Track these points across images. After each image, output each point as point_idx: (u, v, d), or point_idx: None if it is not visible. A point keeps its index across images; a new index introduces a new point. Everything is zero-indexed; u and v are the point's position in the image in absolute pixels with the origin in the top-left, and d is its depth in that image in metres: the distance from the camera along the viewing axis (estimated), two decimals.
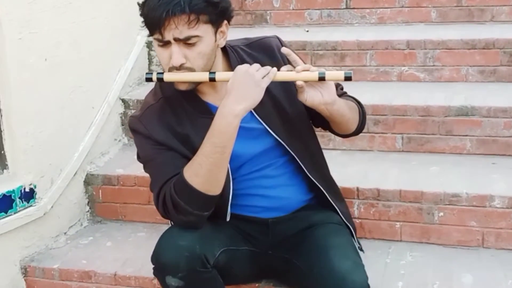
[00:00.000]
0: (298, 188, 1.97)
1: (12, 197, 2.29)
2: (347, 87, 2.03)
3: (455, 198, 2.27)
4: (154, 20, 1.67)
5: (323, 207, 1.98)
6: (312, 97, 1.76)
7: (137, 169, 2.65)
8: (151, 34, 1.72)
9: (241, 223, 1.93)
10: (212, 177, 1.72)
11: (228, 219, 1.89)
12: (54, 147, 2.47)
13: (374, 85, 3.04)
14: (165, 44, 1.71)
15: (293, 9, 3.61)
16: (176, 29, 1.66)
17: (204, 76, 1.75)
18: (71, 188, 2.57)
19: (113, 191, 2.66)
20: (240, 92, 1.68)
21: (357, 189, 2.37)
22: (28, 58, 2.33)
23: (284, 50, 1.78)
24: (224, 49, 1.86)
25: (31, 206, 2.36)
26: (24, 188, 2.33)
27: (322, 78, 1.73)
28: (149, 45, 3.30)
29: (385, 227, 2.36)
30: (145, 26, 1.73)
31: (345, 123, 1.90)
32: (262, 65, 1.73)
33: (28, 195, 2.34)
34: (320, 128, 2.03)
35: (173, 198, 1.73)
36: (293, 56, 1.77)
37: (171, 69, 1.73)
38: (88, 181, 2.68)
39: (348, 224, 1.99)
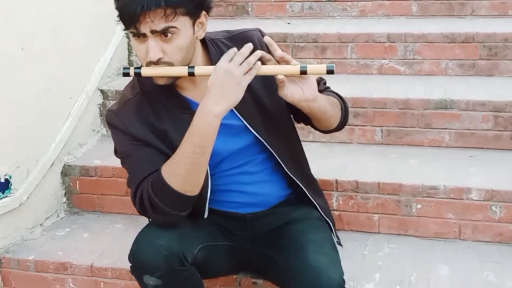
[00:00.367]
0: (277, 184, 1.95)
1: None
2: (328, 80, 2.00)
3: (433, 190, 2.28)
4: (128, 15, 1.60)
5: (302, 203, 1.96)
6: (292, 93, 1.72)
7: (115, 160, 2.57)
8: (126, 28, 1.66)
9: (219, 219, 1.91)
10: (191, 177, 1.69)
11: (205, 216, 1.87)
12: (30, 137, 2.43)
13: (354, 78, 3.04)
14: (142, 37, 1.64)
15: (274, 1, 3.61)
16: (152, 22, 1.60)
17: (183, 71, 1.70)
18: (47, 179, 2.54)
19: (90, 182, 2.63)
20: (221, 91, 1.63)
21: (336, 181, 2.36)
22: (4, 47, 2.29)
23: (266, 39, 1.74)
24: (203, 42, 1.80)
25: (6, 197, 2.32)
26: None
27: (303, 72, 1.68)
28: (128, 35, 3.26)
29: (364, 219, 2.36)
30: (120, 20, 1.67)
31: (326, 120, 1.86)
32: None
33: (3, 186, 2.31)
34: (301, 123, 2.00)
35: (150, 197, 1.70)
36: (274, 47, 1.72)
37: (149, 63, 1.68)
38: (65, 172, 2.65)
39: (327, 219, 1.97)
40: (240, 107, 1.74)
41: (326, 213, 1.99)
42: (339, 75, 3.04)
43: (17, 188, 2.38)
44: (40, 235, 2.48)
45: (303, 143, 2.04)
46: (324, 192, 2.13)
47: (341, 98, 1.95)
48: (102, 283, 2.23)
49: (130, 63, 3.28)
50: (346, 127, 2.06)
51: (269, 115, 1.86)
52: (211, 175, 1.81)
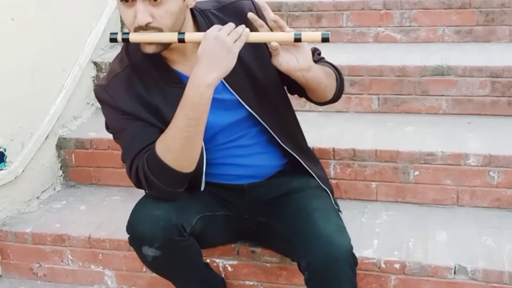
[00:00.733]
0: (272, 154, 1.92)
1: None
2: (323, 48, 1.97)
3: (430, 157, 2.27)
4: None
5: (298, 172, 1.93)
6: (287, 62, 1.67)
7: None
8: None
9: (216, 190, 1.89)
10: (186, 152, 1.65)
11: (202, 189, 1.84)
12: (24, 110, 2.41)
13: (350, 46, 3.02)
14: (130, 0, 1.59)
15: None
16: None
17: (173, 37, 1.64)
18: (42, 152, 2.52)
19: (86, 155, 2.61)
20: (211, 60, 1.58)
21: (333, 149, 2.35)
22: None
23: (260, 2, 1.69)
24: (192, 13, 1.75)
25: (1, 169, 2.31)
26: None
27: (298, 39, 1.64)
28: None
29: (361, 187, 2.36)
30: None
31: (321, 91, 1.81)
32: None
33: None
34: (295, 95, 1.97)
35: (146, 174, 1.67)
36: (268, 11, 1.68)
37: (137, 29, 1.61)
38: (61, 145, 2.63)
39: (325, 188, 1.95)
40: (232, 81, 1.72)
41: (323, 181, 1.97)
42: (335, 44, 3.02)
43: (12, 161, 2.36)
44: (37, 208, 2.47)
45: (299, 113, 2.01)
46: (321, 160, 2.12)
47: (336, 69, 1.90)
48: (100, 254, 2.23)
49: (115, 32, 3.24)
50: (342, 95, 2.04)
51: (262, 88, 1.82)
52: (205, 149, 1.78)
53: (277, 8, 3.07)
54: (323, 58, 1.92)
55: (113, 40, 1.69)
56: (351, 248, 1.66)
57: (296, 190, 1.88)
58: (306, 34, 1.66)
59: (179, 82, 1.74)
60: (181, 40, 1.65)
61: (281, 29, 1.66)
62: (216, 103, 1.69)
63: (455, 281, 1.94)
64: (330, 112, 2.73)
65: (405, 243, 2.06)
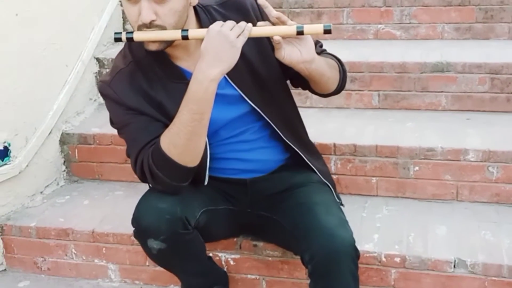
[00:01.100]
0: (275, 149, 1.94)
1: None
2: (324, 44, 1.98)
3: (430, 152, 2.29)
4: None
5: (300, 167, 1.95)
6: (290, 54, 1.69)
7: (113, 128, 2.63)
8: None
9: (219, 184, 1.91)
10: (191, 146, 1.67)
11: (206, 183, 1.87)
12: (28, 105, 2.43)
13: (350, 43, 3.04)
14: None
15: None
16: None
17: (176, 34, 1.66)
18: (46, 147, 2.54)
19: (89, 150, 2.63)
20: (215, 54, 1.60)
21: (334, 145, 2.37)
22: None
23: (260, 1, 1.72)
24: (195, 9, 1.77)
25: (5, 164, 2.33)
26: None
27: (300, 32, 1.65)
28: (122, 3, 3.24)
29: (362, 182, 2.38)
30: None
31: (324, 83, 1.83)
32: None
33: (3, 153, 2.31)
34: (299, 88, 1.99)
35: (151, 168, 1.69)
36: (269, 8, 1.69)
37: (141, 27, 1.64)
38: (64, 140, 2.65)
39: (327, 182, 1.97)
40: (235, 76, 1.74)
41: (325, 176, 2.00)
42: (335, 41, 3.04)
43: (16, 156, 2.38)
44: (41, 202, 2.49)
45: (300, 109, 2.03)
46: (322, 156, 2.14)
47: (339, 60, 1.92)
48: (104, 248, 2.25)
49: (125, 31, 3.26)
50: (343, 92, 2.07)
51: (264, 83, 1.84)
52: (209, 144, 1.79)
53: (278, 5, 3.09)
54: (325, 50, 1.94)
55: (117, 39, 1.71)
56: (353, 241, 1.69)
57: (298, 184, 1.91)
58: (308, 27, 1.68)
59: (182, 78, 1.76)
60: (185, 37, 1.67)
61: (284, 24, 1.67)
62: (219, 98, 1.70)
63: (455, 274, 1.96)
64: (331, 108, 2.75)
65: (405, 237, 2.09)
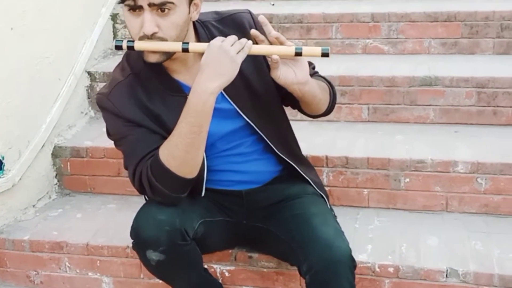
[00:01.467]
0: (268, 161, 1.97)
1: None
2: (314, 59, 1.96)
3: (420, 164, 2.34)
4: None
5: (294, 178, 1.98)
6: (285, 75, 1.71)
7: (106, 141, 2.58)
8: (123, 0, 1.65)
9: (215, 195, 1.93)
10: (189, 158, 1.69)
11: (202, 195, 1.89)
12: (21, 118, 2.43)
13: (339, 57, 3.09)
14: (137, 10, 1.64)
15: None
16: None
17: (177, 46, 1.68)
18: (39, 160, 2.54)
19: (81, 164, 2.64)
20: (215, 68, 1.63)
21: (326, 157, 2.41)
22: None
23: (261, 18, 1.76)
24: (194, 25, 1.80)
25: None
26: None
27: (298, 53, 1.68)
28: (113, 17, 3.28)
29: (353, 194, 2.42)
30: None
31: (315, 104, 1.87)
32: None
33: None
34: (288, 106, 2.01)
35: (150, 180, 1.71)
36: (269, 27, 1.73)
37: (142, 38, 1.67)
38: (56, 153, 2.65)
39: (321, 193, 2.01)
40: (231, 91, 1.76)
41: (319, 187, 2.03)
42: None
43: (9, 169, 2.38)
44: (33, 216, 2.48)
45: (291, 122, 2.06)
46: (315, 168, 2.17)
47: (329, 83, 1.95)
48: (98, 261, 2.25)
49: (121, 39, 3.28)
50: None
51: (259, 98, 1.87)
52: (205, 156, 1.81)
53: (268, 20, 3.11)
54: (317, 72, 1.98)
55: (118, 47, 1.72)
56: (350, 251, 1.72)
57: (293, 196, 1.94)
58: (306, 49, 1.71)
59: (180, 91, 1.79)
60: (185, 50, 1.70)
61: (282, 44, 1.71)
62: (215, 112, 1.72)
63: (447, 284, 2.00)
64: (321, 121, 2.74)
65: (397, 248, 2.12)
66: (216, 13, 1.91)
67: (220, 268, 2.15)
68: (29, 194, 2.51)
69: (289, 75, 1.72)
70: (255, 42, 1.73)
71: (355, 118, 2.77)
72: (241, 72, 1.73)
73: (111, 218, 2.42)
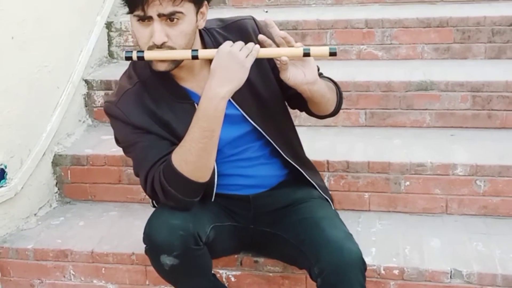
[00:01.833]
0: (275, 165, 2.00)
1: None
2: None
3: (420, 167, 2.37)
4: None
5: (300, 182, 2.01)
6: (294, 76, 1.74)
7: (106, 149, 2.66)
8: (132, 11, 1.67)
9: (223, 200, 1.95)
10: (202, 162, 1.72)
11: (213, 199, 1.91)
12: (22, 127, 2.43)
13: (335, 63, 3.10)
14: (146, 20, 1.67)
15: None
16: (160, 5, 1.63)
17: (187, 54, 1.71)
18: (40, 168, 2.54)
19: (82, 171, 2.63)
20: (225, 73, 1.66)
21: (327, 162, 2.44)
22: None
23: (267, 20, 1.78)
24: (200, 32, 1.83)
25: (2, 186, 2.32)
26: None
27: (307, 54, 1.71)
28: (108, 26, 3.28)
29: (354, 198, 2.45)
30: (124, 4, 1.68)
31: (324, 104, 1.89)
32: None
33: None
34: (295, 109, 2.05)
35: (163, 185, 1.73)
36: (275, 28, 1.75)
37: (151, 47, 1.69)
38: (56, 161, 2.65)
39: (326, 197, 2.04)
40: (237, 96, 1.78)
41: (324, 191, 2.06)
42: (319, 61, 3.09)
43: (12, 178, 2.37)
44: (35, 224, 2.48)
45: None
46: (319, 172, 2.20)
47: (335, 83, 1.99)
48: (103, 269, 2.25)
49: (110, 53, 3.31)
50: None
51: (265, 103, 1.90)
52: None
53: None
54: (321, 73, 2.01)
55: (128, 58, 1.74)
56: (361, 253, 1.74)
57: (300, 200, 1.96)
58: (314, 49, 1.75)
59: (187, 98, 1.82)
60: (195, 57, 1.72)
61: (289, 44, 1.73)
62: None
63: (452, 284, 2.03)
64: (319, 126, 2.82)
65: (401, 250, 2.15)
66: (220, 20, 1.94)
67: (226, 273, 2.16)
68: (31, 202, 2.50)
69: (298, 76, 1.75)
70: (263, 47, 1.75)
71: (353, 123, 2.80)
72: (247, 78, 1.75)
73: (114, 225, 2.43)
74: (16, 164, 2.40)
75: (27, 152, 2.47)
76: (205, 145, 1.69)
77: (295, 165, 1.98)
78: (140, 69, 1.84)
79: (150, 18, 1.67)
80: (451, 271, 2.03)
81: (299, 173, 2.00)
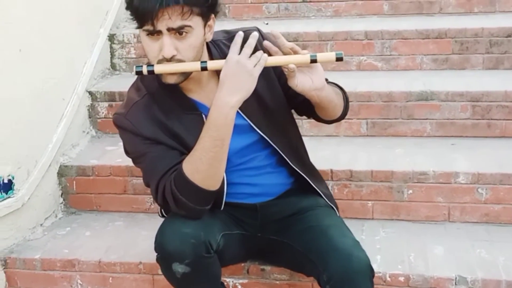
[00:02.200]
0: (281, 174, 2.02)
1: None
2: None
3: (423, 176, 2.41)
4: (146, 11, 1.65)
5: (306, 191, 2.04)
6: (302, 82, 1.77)
7: (111, 160, 2.69)
8: (141, 25, 1.70)
9: (231, 209, 1.97)
10: (213, 171, 1.75)
11: (222, 208, 1.93)
12: (29, 138, 2.46)
13: (335, 74, 3.11)
14: (156, 34, 1.69)
15: (251, 3, 3.69)
16: (170, 19, 1.66)
17: (196, 66, 1.74)
18: (46, 179, 2.56)
19: (87, 182, 2.66)
20: (234, 83, 1.69)
21: (331, 171, 2.47)
22: (4, 48, 2.31)
23: (274, 32, 1.81)
24: (206, 44, 1.85)
25: (9, 197, 2.34)
26: (3, 180, 2.31)
27: (314, 61, 1.74)
28: (110, 38, 3.32)
29: (358, 206, 2.48)
30: (134, 19, 1.70)
31: (332, 109, 1.92)
32: None
33: (7, 187, 2.33)
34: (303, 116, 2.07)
35: (174, 194, 1.75)
36: (282, 39, 1.77)
37: (161, 61, 1.72)
38: (62, 172, 2.67)
39: (332, 205, 2.07)
40: (244, 107, 1.79)
41: (330, 199, 2.09)
42: None
43: (19, 189, 2.39)
44: (42, 235, 2.49)
45: None
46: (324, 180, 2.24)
47: (341, 88, 2.02)
48: (110, 278, 2.27)
49: (113, 65, 3.34)
50: None
51: (271, 112, 1.93)
52: None
53: None
54: (327, 79, 2.04)
55: (139, 73, 1.76)
56: (369, 261, 1.77)
57: (307, 208, 1.99)
58: (321, 55, 1.78)
59: (194, 109, 1.85)
60: (204, 69, 1.75)
61: (296, 53, 1.77)
62: None
63: None
64: (321, 136, 2.86)
65: (406, 257, 2.18)
66: (226, 32, 1.97)
67: (233, 281, 2.19)
68: (37, 213, 2.52)
69: (306, 83, 1.78)
70: (269, 54, 1.78)
71: (354, 133, 2.84)
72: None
73: (120, 235, 2.45)
74: (23, 175, 2.42)
75: (34, 163, 2.49)
76: (215, 154, 1.72)
77: (301, 173, 2.01)
78: (148, 81, 1.86)
79: (159, 32, 1.69)
80: (455, 278, 2.06)
81: (305, 181, 2.03)
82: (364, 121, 2.83)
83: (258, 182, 2.00)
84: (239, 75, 1.69)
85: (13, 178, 2.35)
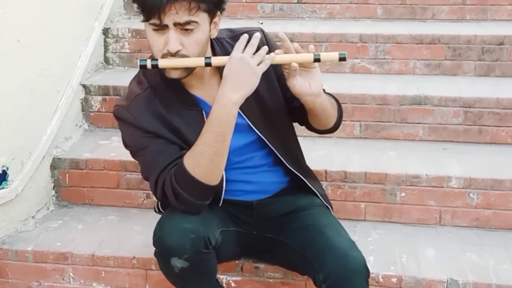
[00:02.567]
0: (277, 172, 2.04)
1: None
2: None
3: (416, 179, 2.44)
4: (154, 5, 1.66)
5: (302, 190, 2.06)
6: (300, 85, 1.79)
7: (105, 154, 2.68)
8: (147, 19, 1.70)
9: (228, 206, 1.98)
10: (214, 166, 1.76)
11: (220, 204, 1.95)
12: (24, 129, 2.44)
13: (329, 76, 3.16)
14: (162, 29, 1.70)
15: (246, 2, 3.70)
16: (177, 14, 1.67)
17: (200, 61, 1.75)
18: (39, 171, 2.54)
19: (80, 175, 2.64)
20: (237, 79, 1.71)
21: (325, 171, 2.49)
22: (3, 38, 2.29)
23: (280, 35, 1.82)
24: (210, 41, 1.86)
25: (3, 188, 2.32)
26: None
27: (317, 59, 1.76)
28: (105, 32, 3.30)
29: (351, 208, 2.50)
30: (140, 12, 1.71)
31: (325, 118, 1.94)
32: None
33: (1, 178, 2.31)
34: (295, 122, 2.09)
35: (174, 188, 1.76)
36: (287, 43, 1.78)
37: (165, 55, 1.73)
38: (55, 165, 2.65)
39: (327, 205, 2.09)
40: (243, 106, 1.81)
41: (325, 198, 2.11)
42: None
43: (13, 180, 2.38)
44: (33, 227, 2.48)
45: None
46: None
47: (336, 100, 2.04)
48: (103, 272, 2.26)
49: (106, 59, 3.32)
50: None
51: (270, 113, 1.95)
52: None
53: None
54: (324, 89, 2.06)
55: (143, 66, 1.77)
56: (365, 261, 1.79)
57: (303, 207, 2.01)
58: (324, 54, 1.81)
59: (195, 105, 1.86)
60: (208, 64, 1.76)
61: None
62: None
63: None
64: (315, 137, 2.78)
65: (398, 259, 2.21)
66: (230, 30, 1.99)
67: (226, 278, 2.19)
68: (30, 205, 2.50)
69: (303, 86, 1.80)
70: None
71: (348, 135, 2.86)
72: None
73: (113, 229, 2.44)
74: (17, 166, 2.40)
75: (28, 154, 2.47)
76: (217, 149, 1.74)
77: (298, 174, 2.02)
78: (150, 75, 1.87)
79: (165, 27, 1.70)
80: (447, 280, 2.09)
81: (300, 180, 2.05)
82: (357, 123, 2.85)
83: (255, 180, 2.01)
84: (243, 72, 1.71)
85: (7, 169, 2.33)
